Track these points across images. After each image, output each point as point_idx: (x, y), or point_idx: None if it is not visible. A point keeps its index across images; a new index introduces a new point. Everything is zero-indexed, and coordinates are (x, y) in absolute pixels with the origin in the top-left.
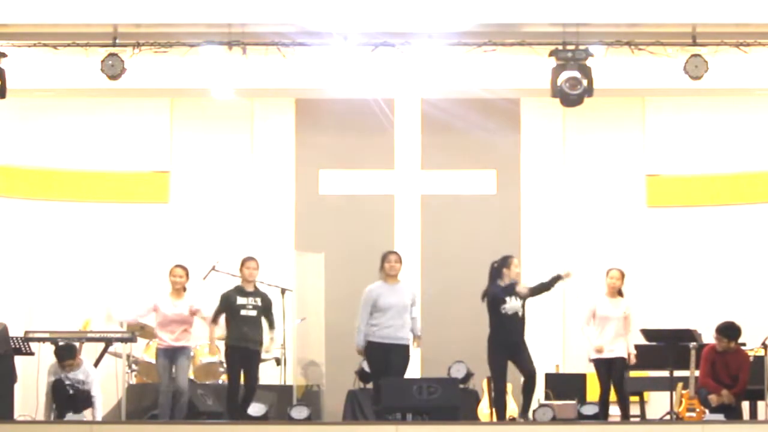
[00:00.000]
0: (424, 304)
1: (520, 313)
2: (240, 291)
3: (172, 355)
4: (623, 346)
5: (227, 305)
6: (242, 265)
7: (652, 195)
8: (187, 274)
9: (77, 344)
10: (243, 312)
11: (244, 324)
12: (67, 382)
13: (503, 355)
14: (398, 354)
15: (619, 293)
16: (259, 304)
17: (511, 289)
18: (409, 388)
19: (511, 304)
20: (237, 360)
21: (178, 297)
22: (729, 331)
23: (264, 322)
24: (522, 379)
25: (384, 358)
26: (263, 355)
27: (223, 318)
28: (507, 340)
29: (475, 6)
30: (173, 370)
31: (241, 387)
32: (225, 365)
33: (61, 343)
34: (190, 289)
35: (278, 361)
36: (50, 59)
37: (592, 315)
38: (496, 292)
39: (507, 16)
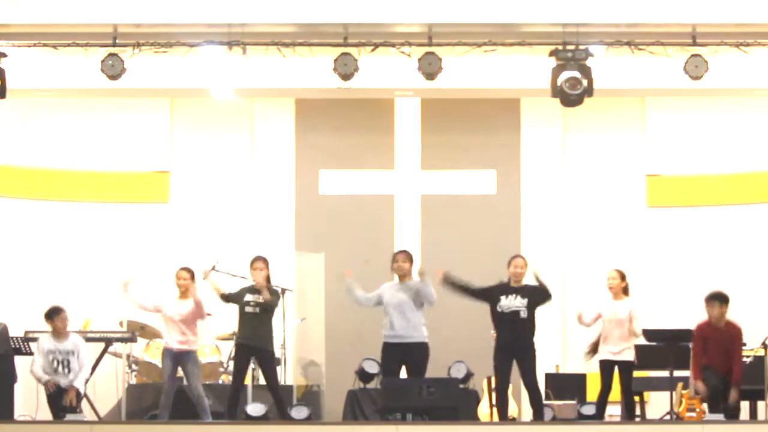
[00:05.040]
0: None
1: (522, 314)
2: (250, 288)
3: (177, 358)
4: (630, 348)
5: (238, 299)
6: (250, 266)
7: (652, 195)
8: (192, 276)
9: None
10: (247, 309)
11: (248, 321)
12: (53, 356)
13: (505, 355)
14: (414, 352)
15: (624, 293)
16: (261, 301)
17: (508, 288)
18: (409, 388)
19: (506, 303)
20: (243, 358)
21: (183, 299)
22: (719, 296)
23: (270, 319)
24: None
25: (399, 358)
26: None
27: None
28: (506, 340)
29: (475, 6)
30: (178, 373)
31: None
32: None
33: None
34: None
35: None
36: (50, 59)
37: (596, 316)
38: (492, 289)
39: (507, 16)
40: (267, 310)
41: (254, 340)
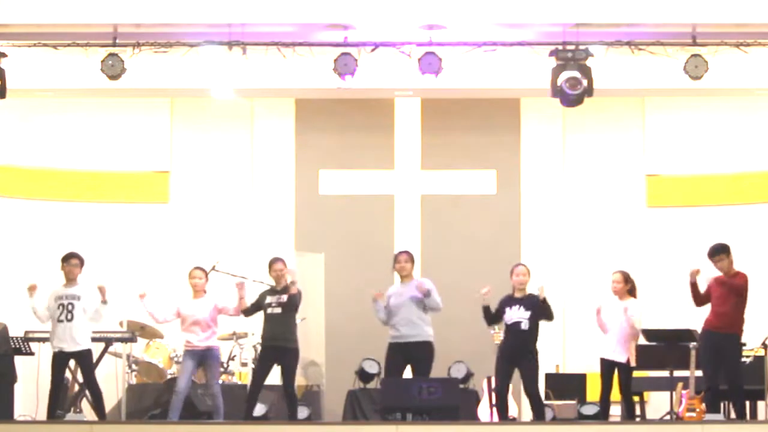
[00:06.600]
0: None
1: (523, 325)
2: (271, 290)
3: (199, 357)
4: (629, 348)
5: (259, 303)
6: (269, 267)
7: (652, 195)
8: (206, 275)
9: None
10: (269, 310)
11: (270, 322)
12: (59, 302)
13: (506, 362)
14: (418, 351)
15: (630, 294)
16: (285, 300)
17: (512, 300)
18: (409, 388)
19: (509, 314)
20: (268, 360)
21: (198, 297)
22: (723, 246)
23: (293, 317)
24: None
25: (404, 358)
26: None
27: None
28: (507, 350)
29: (475, 6)
30: (195, 372)
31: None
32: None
33: None
34: (210, 290)
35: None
36: (50, 59)
37: (596, 313)
38: (500, 302)
39: (507, 16)
40: (290, 309)
41: (279, 340)
